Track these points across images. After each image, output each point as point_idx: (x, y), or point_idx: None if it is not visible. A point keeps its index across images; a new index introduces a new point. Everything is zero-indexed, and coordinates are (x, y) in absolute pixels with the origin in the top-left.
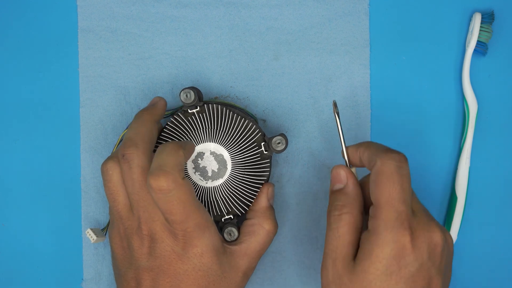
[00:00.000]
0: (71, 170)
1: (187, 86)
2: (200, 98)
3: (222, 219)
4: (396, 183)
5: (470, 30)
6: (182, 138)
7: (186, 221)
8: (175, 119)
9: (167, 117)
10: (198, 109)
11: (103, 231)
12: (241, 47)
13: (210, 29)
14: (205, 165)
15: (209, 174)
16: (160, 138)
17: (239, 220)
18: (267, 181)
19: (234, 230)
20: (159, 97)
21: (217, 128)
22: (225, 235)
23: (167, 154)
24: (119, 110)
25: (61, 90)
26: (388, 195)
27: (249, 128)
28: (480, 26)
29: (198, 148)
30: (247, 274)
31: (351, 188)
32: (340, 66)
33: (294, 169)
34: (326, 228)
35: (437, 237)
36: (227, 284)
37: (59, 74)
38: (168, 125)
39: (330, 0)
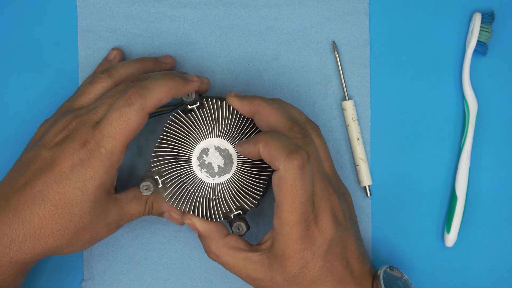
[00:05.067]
0: None
1: None
2: (199, 94)
3: (231, 215)
4: (299, 189)
5: (470, 30)
6: (184, 136)
7: (108, 140)
8: (175, 117)
9: (164, 113)
10: (198, 104)
11: None
12: (241, 47)
13: (210, 29)
14: (210, 161)
15: (216, 170)
16: (161, 138)
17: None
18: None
19: (243, 224)
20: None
21: (219, 123)
22: (233, 229)
23: (159, 87)
24: None
25: (61, 90)
26: (292, 202)
27: (251, 120)
28: (480, 26)
29: (202, 144)
30: (111, 227)
31: (202, 230)
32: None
33: None
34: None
35: (335, 201)
36: (91, 219)
37: (59, 74)
38: (169, 123)
39: (330, 0)
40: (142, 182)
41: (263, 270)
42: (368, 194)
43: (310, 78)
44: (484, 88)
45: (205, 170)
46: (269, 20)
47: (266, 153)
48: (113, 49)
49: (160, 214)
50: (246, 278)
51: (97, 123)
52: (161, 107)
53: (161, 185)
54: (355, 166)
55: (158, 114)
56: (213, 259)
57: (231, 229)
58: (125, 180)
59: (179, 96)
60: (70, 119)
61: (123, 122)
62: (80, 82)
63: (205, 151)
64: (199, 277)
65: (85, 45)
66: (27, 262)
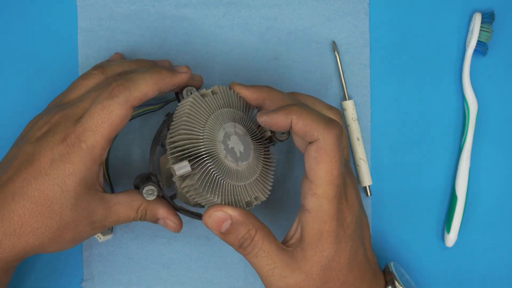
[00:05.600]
0: None
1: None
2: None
3: (253, 204)
4: (338, 160)
5: (470, 30)
6: (206, 118)
7: (89, 134)
8: (195, 99)
9: (150, 111)
10: (212, 88)
11: (109, 228)
12: (241, 47)
13: (210, 29)
14: (233, 146)
15: (238, 155)
16: (178, 123)
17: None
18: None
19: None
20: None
21: (234, 108)
22: None
23: (144, 80)
24: None
25: (61, 90)
26: (330, 173)
27: (258, 108)
28: (480, 26)
29: (224, 128)
30: (95, 225)
31: (238, 216)
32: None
33: (294, 169)
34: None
35: (355, 180)
36: (70, 221)
37: (59, 74)
38: (189, 106)
39: (330, 0)
40: (146, 186)
41: (297, 267)
42: (368, 194)
43: (310, 78)
44: (484, 88)
45: (230, 155)
46: (269, 20)
47: (302, 124)
48: (115, 53)
49: (155, 221)
50: (275, 280)
51: (80, 118)
52: (147, 105)
53: (165, 186)
54: (355, 166)
55: (143, 113)
56: (246, 251)
57: None
58: (120, 179)
59: (167, 89)
60: (54, 114)
61: (106, 115)
62: None
63: (227, 135)
64: (199, 277)
65: (85, 45)
66: (9, 261)
